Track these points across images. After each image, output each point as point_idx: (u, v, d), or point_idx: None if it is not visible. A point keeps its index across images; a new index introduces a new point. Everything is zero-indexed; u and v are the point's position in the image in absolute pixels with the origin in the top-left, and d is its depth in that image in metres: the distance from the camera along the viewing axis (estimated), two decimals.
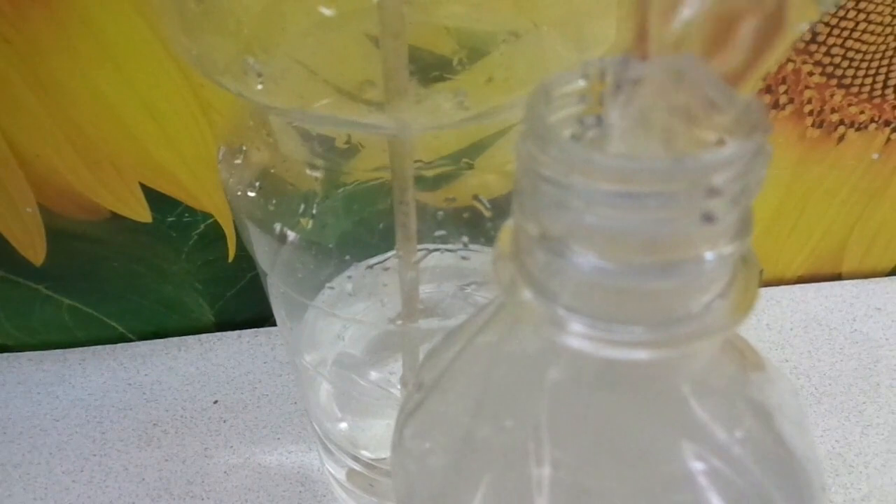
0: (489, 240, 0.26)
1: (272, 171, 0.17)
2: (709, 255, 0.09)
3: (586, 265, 0.09)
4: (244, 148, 0.17)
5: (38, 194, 0.28)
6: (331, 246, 0.22)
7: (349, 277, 0.25)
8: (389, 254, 0.24)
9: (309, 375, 0.26)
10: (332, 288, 0.25)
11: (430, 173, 0.22)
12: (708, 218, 0.08)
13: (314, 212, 0.18)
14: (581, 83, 0.09)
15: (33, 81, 0.26)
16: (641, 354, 0.09)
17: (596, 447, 0.11)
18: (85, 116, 0.27)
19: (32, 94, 0.26)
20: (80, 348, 0.33)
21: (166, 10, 0.14)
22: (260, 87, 0.16)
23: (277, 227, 0.17)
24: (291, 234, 0.17)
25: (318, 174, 0.17)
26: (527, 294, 0.10)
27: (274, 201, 0.17)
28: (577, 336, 0.09)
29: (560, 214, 0.09)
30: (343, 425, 0.26)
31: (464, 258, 0.26)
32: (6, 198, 0.28)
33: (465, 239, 0.25)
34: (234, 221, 0.18)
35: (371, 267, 0.25)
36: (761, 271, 0.10)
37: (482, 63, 0.19)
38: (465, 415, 0.12)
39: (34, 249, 0.30)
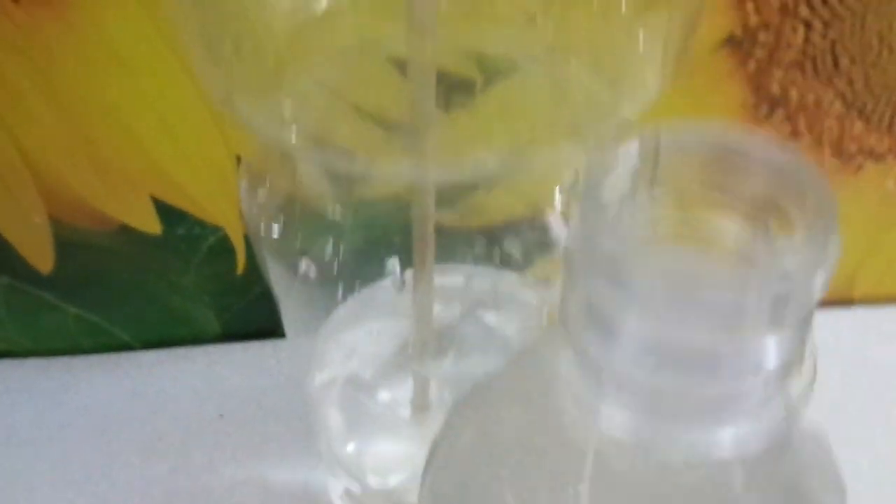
0: (501, 261, 0.26)
1: (295, 206, 0.17)
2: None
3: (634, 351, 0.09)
4: (268, 184, 0.17)
5: (48, 204, 0.28)
6: (347, 271, 0.21)
7: (362, 297, 0.25)
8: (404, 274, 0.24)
9: (317, 396, 0.26)
10: (345, 307, 0.25)
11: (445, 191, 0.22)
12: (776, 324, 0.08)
13: (335, 246, 0.18)
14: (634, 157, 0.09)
15: (46, 91, 0.26)
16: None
17: None
18: (97, 127, 0.27)
19: (45, 103, 0.26)
20: (86, 356, 0.33)
21: (193, 43, 0.14)
22: (286, 115, 0.15)
23: (299, 263, 0.17)
24: (312, 269, 0.16)
25: (339, 206, 0.17)
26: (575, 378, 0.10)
27: (298, 238, 0.17)
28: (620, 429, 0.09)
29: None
30: (350, 448, 0.26)
31: (472, 276, 0.26)
32: (15, 206, 0.28)
33: (477, 258, 0.25)
34: (244, 237, 0.18)
35: (383, 287, 0.25)
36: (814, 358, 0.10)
37: (504, 87, 0.19)
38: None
39: (42, 258, 0.30)
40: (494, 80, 0.18)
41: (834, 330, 0.34)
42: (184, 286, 0.31)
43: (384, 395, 0.26)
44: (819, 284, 0.08)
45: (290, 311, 0.22)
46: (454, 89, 0.17)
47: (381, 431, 0.26)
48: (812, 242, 0.08)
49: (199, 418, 0.31)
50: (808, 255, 0.08)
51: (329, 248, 0.20)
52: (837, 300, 0.34)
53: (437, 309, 0.24)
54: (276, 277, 0.18)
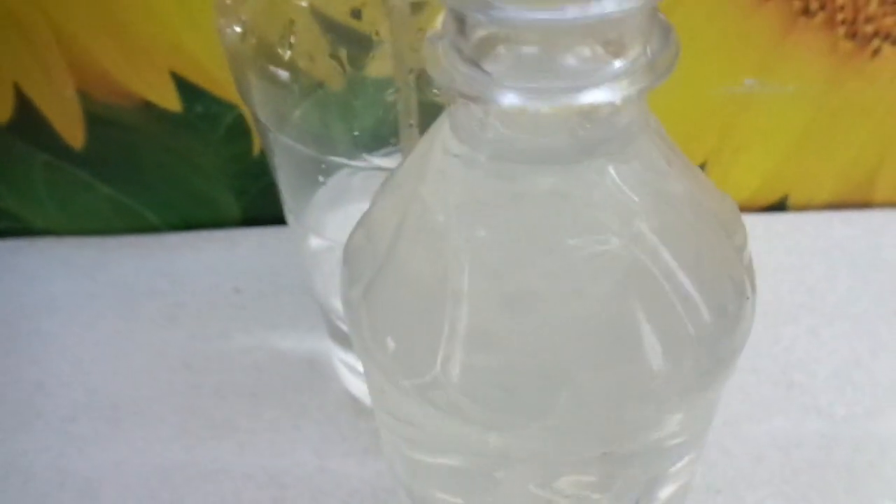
0: None
1: (266, 7, 0.17)
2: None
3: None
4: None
5: (77, 78, 0.30)
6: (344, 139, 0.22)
7: (360, 169, 0.25)
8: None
9: (314, 256, 0.27)
10: (342, 176, 0.25)
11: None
12: None
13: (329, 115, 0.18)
14: None
15: None
16: (569, 96, 0.10)
17: (517, 229, 0.11)
18: (121, 2, 0.28)
19: None
20: (117, 237, 0.35)
21: None
22: None
23: (272, 69, 0.17)
24: (283, 75, 0.17)
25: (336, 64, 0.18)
26: (461, 68, 0.10)
27: (261, 37, 0.17)
28: (511, 90, 0.10)
29: None
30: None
31: None
32: (47, 80, 0.30)
33: None
34: (234, 80, 0.19)
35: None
36: (676, 37, 0.10)
37: None
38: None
39: (74, 132, 0.32)
40: None
41: (850, 232, 0.33)
42: (204, 167, 0.33)
43: None
44: None
45: (284, 153, 0.23)
46: None
47: None
48: None
49: (216, 292, 0.33)
50: None
51: (321, 117, 0.21)
52: (856, 202, 0.33)
53: None
54: (262, 101, 0.19)
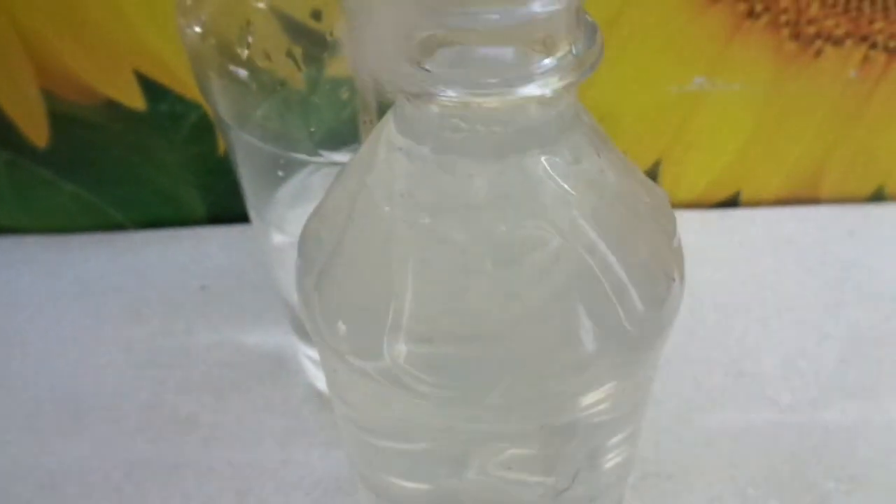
0: None
1: (224, 7, 0.18)
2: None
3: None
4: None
5: (41, 76, 0.30)
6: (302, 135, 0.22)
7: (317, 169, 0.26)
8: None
9: (278, 252, 0.27)
10: (304, 174, 0.26)
11: None
12: None
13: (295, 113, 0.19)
14: None
15: None
16: (503, 91, 0.10)
17: (457, 219, 0.12)
18: (85, 1, 0.28)
19: None
20: (81, 234, 0.35)
21: None
22: None
23: (232, 68, 0.18)
24: (242, 73, 0.18)
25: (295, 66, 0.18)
26: (405, 68, 0.11)
27: (220, 37, 0.18)
28: (451, 86, 0.10)
29: None
30: None
31: None
32: (11, 79, 0.30)
33: None
34: (196, 79, 0.19)
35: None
36: (601, 36, 0.11)
37: None
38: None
39: (37, 131, 0.32)
40: None
41: (798, 227, 0.34)
42: (169, 166, 0.33)
43: None
44: None
45: (244, 151, 0.23)
46: None
47: None
48: None
49: (182, 289, 0.33)
50: None
51: (290, 117, 0.22)
52: (804, 198, 0.35)
53: None
54: (223, 98, 0.20)
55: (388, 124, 0.13)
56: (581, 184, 0.12)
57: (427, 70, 0.11)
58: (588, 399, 0.13)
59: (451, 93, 0.11)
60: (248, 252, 0.34)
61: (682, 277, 0.14)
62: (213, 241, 0.35)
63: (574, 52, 0.11)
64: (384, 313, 0.12)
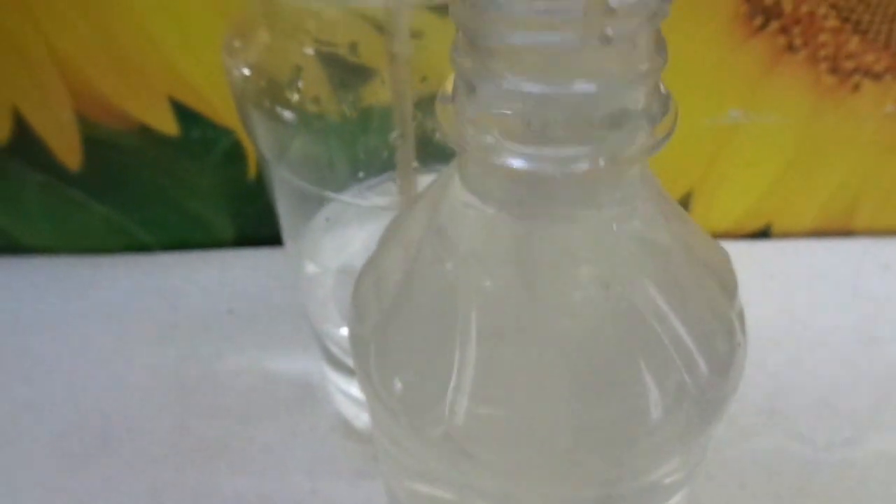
0: None
1: (273, 52, 0.18)
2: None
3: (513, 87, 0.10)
4: (247, 33, 0.18)
5: (75, 101, 0.30)
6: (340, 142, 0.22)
7: (356, 194, 0.26)
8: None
9: (310, 281, 0.27)
10: (338, 203, 0.26)
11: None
12: (605, 39, 0.09)
13: (311, 93, 0.19)
14: None
15: None
16: (577, 164, 0.10)
17: (523, 280, 0.12)
18: (120, 29, 0.28)
19: (74, 7, 0.28)
20: (111, 255, 0.35)
21: None
22: None
23: (279, 109, 0.18)
24: (289, 115, 0.18)
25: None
26: (471, 130, 0.11)
27: (269, 80, 0.18)
28: (519, 156, 0.10)
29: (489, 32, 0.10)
30: (344, 330, 0.27)
31: None
32: (46, 103, 0.30)
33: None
34: (239, 114, 0.19)
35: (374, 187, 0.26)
36: (675, 103, 0.11)
37: None
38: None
39: (71, 155, 0.32)
40: None
41: (832, 260, 0.34)
42: (200, 190, 0.33)
43: None
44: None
45: (283, 185, 0.23)
46: None
47: None
48: None
49: (210, 313, 0.33)
50: None
51: (311, 105, 0.21)
52: (838, 230, 0.34)
53: None
54: (263, 136, 0.20)
55: (454, 179, 0.13)
56: (648, 246, 0.12)
57: (493, 135, 0.11)
58: (657, 467, 0.12)
59: (519, 163, 0.11)
60: (276, 276, 0.34)
61: (745, 341, 0.13)
62: (241, 264, 0.35)
63: (648, 122, 0.11)
64: (445, 377, 0.12)
